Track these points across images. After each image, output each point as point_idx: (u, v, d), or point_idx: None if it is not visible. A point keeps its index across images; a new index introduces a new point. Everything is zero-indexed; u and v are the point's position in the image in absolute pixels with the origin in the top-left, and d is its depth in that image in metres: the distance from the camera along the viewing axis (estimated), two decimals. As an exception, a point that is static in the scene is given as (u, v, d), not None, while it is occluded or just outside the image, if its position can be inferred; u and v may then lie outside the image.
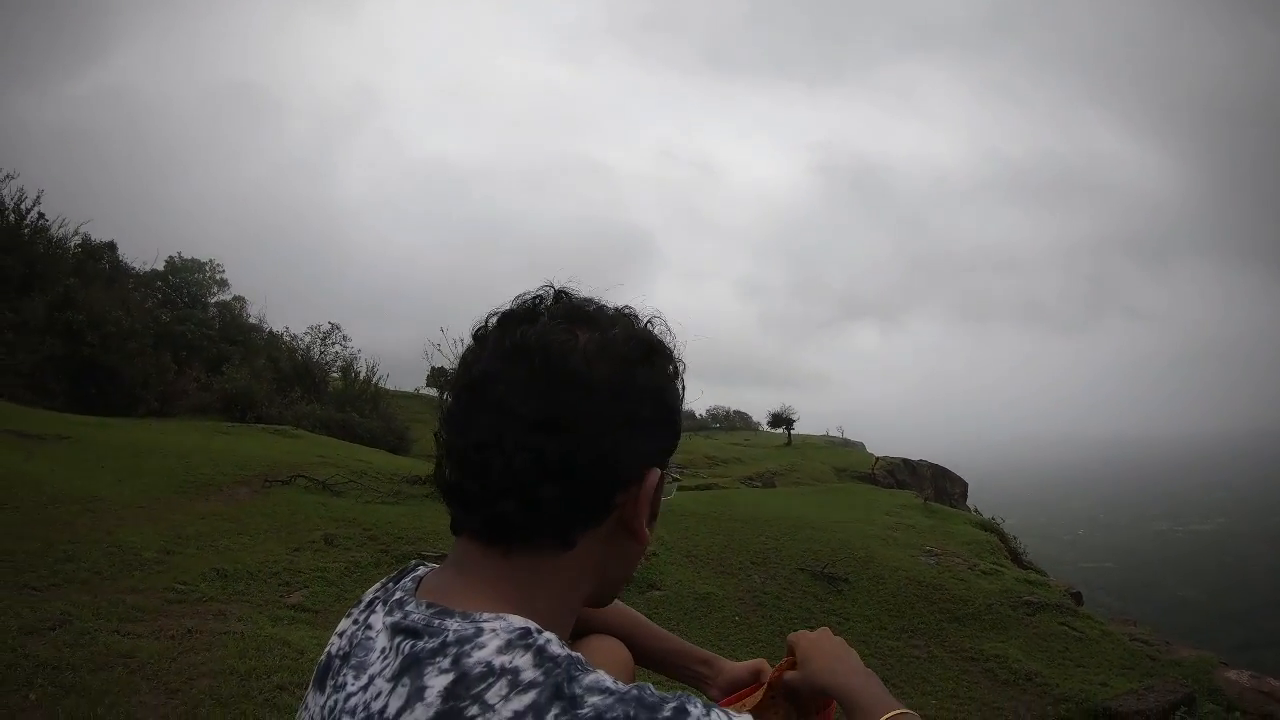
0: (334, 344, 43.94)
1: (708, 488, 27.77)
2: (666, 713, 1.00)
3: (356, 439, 27.87)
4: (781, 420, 57.36)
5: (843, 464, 42.79)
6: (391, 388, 39.29)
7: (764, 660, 1.93)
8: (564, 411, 1.20)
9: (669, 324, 1.40)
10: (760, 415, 69.50)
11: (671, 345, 1.37)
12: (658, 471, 1.29)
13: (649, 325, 1.35)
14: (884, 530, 17.59)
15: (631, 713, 0.99)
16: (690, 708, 1.02)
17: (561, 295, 1.33)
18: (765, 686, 1.76)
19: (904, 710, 1.43)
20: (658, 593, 11.72)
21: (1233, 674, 11.28)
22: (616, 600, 1.69)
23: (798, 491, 28.52)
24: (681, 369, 1.38)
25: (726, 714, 1.05)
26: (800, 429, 60.13)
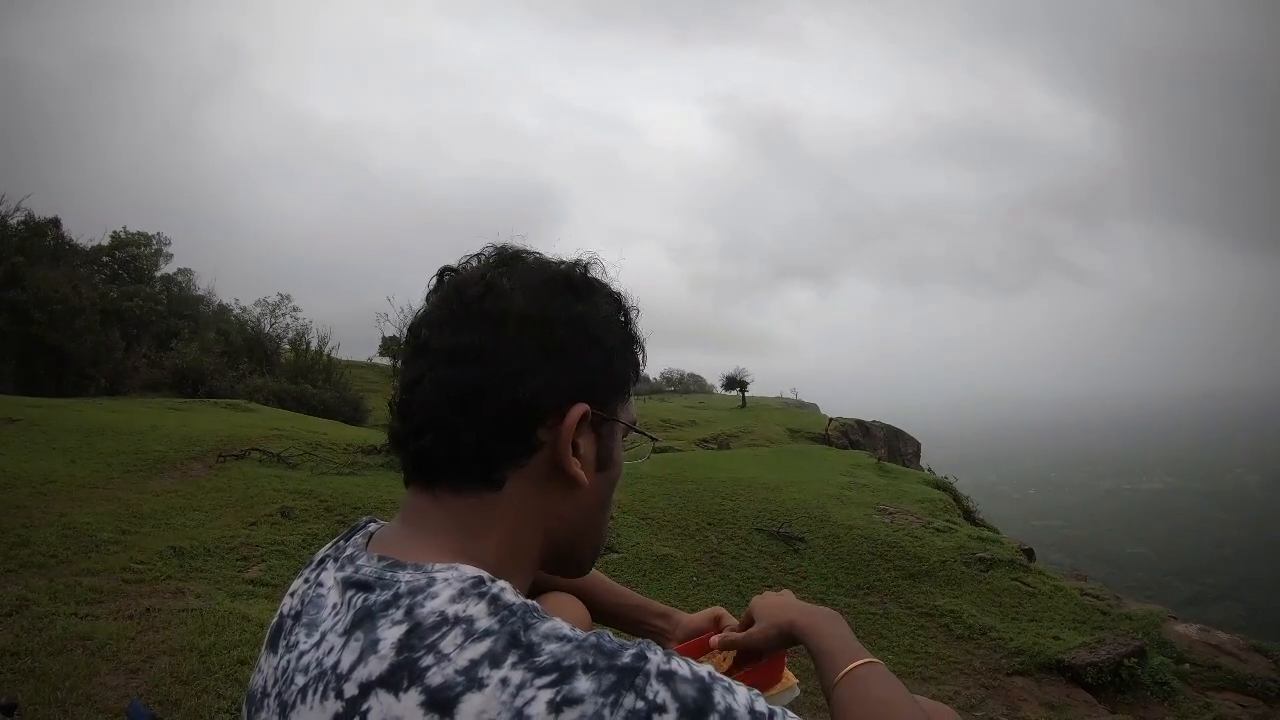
0: (284, 315, 43.31)
1: (663, 450, 27.81)
2: (626, 658, 1.01)
3: (311, 411, 27.72)
4: (736, 383, 57.47)
5: (797, 425, 42.88)
6: (344, 358, 38.73)
7: (721, 608, 1.97)
8: (474, 343, 1.23)
9: (606, 267, 1.39)
10: (714, 378, 69.59)
11: (610, 283, 1.38)
12: (583, 407, 1.26)
13: (582, 266, 1.35)
14: (839, 490, 17.76)
15: (590, 659, 1.00)
16: (650, 654, 1.03)
17: (502, 249, 1.35)
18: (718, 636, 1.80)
19: (872, 659, 1.45)
20: (616, 555, 11.78)
21: (1181, 627, 11.50)
22: None
23: (753, 453, 28.63)
24: (627, 307, 1.38)
25: (687, 662, 1.06)
26: (754, 391, 60.28)
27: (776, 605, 1.73)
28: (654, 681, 1.00)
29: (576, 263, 1.35)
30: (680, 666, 1.04)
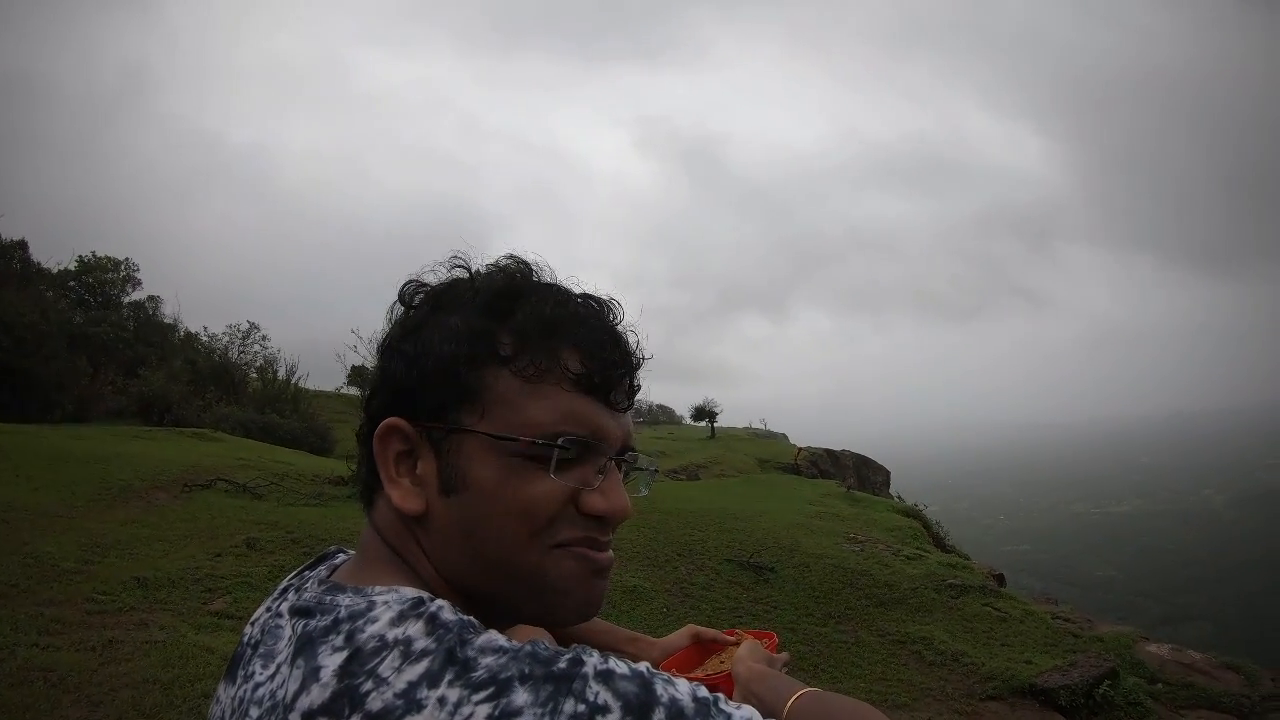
0: (253, 343, 42.95)
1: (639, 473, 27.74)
2: (562, 664, 1.00)
3: (277, 440, 27.40)
4: (704, 413, 57.55)
5: (766, 455, 42.89)
6: (312, 387, 38.48)
7: (694, 625, 1.95)
8: (378, 374, 1.26)
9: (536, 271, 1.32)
10: (683, 409, 69.68)
11: (497, 278, 1.28)
12: (389, 421, 1.20)
13: (455, 270, 1.30)
14: (808, 519, 17.79)
15: (526, 669, 0.98)
16: (585, 656, 1.02)
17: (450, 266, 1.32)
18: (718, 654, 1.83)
19: (809, 689, 1.43)
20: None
21: (1154, 647, 11.56)
22: None
23: (722, 483, 28.69)
24: (494, 296, 1.23)
25: (625, 663, 1.04)
26: (723, 422, 60.36)
27: (737, 658, 1.67)
28: (593, 683, 0.99)
29: (450, 279, 1.30)
30: (618, 665, 1.02)
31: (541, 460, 1.18)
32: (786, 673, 1.68)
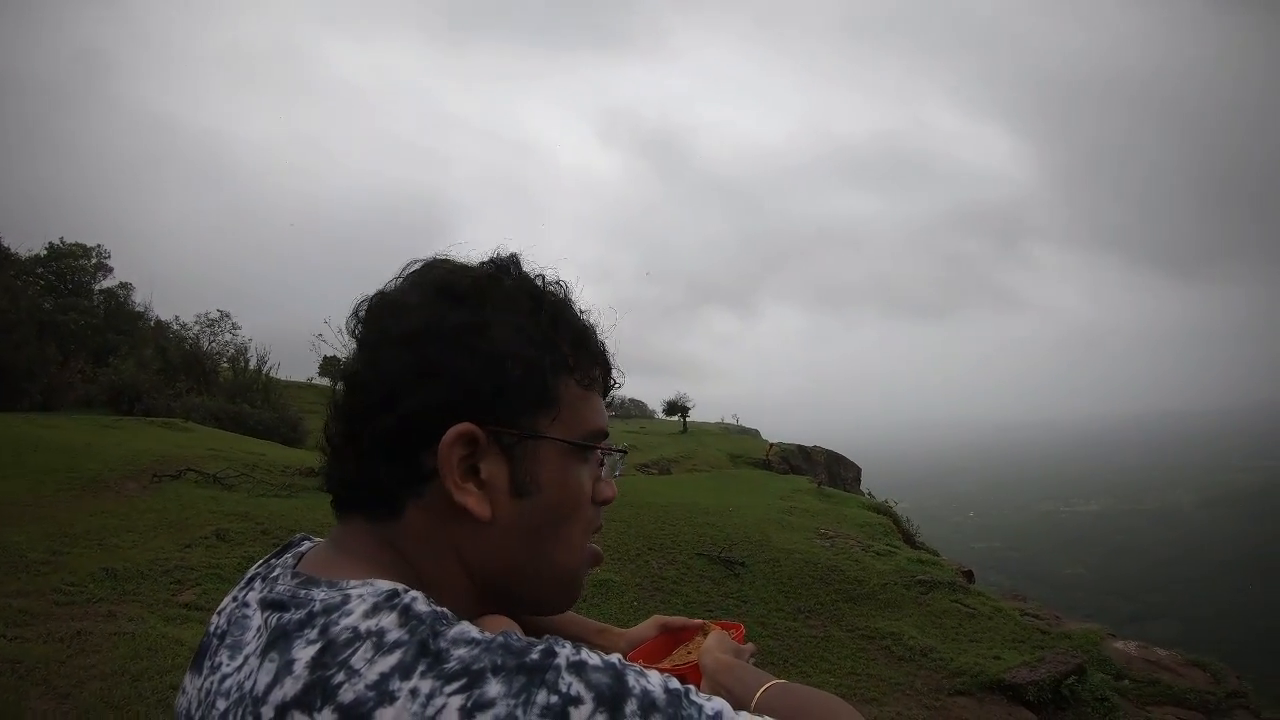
0: (224, 332, 42.41)
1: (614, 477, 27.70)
2: (534, 655, 1.00)
3: (248, 431, 27.28)
4: (677, 408, 57.51)
5: (738, 450, 42.98)
6: (283, 377, 38.09)
7: (659, 616, 1.93)
8: (358, 369, 1.22)
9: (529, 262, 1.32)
10: (655, 404, 69.70)
11: (533, 282, 1.30)
12: (463, 428, 1.17)
13: (477, 268, 1.29)
14: (779, 514, 17.81)
15: (499, 660, 0.98)
16: (558, 647, 1.02)
17: (432, 259, 1.31)
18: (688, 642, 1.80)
19: (776, 680, 1.43)
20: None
21: (1120, 645, 11.62)
22: None
23: (694, 478, 28.65)
24: (547, 302, 1.28)
25: (598, 654, 1.04)
26: (696, 417, 60.37)
27: (705, 650, 1.67)
28: (565, 674, 0.99)
29: (467, 266, 1.29)
30: (590, 657, 1.02)
31: (593, 462, 1.30)
32: (753, 664, 1.67)
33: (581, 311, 1.32)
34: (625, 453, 1.52)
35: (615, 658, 1.05)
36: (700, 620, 1.88)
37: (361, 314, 1.26)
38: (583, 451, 1.27)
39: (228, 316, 42.19)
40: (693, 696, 1.06)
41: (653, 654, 1.81)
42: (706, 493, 21.11)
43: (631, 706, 0.99)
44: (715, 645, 1.64)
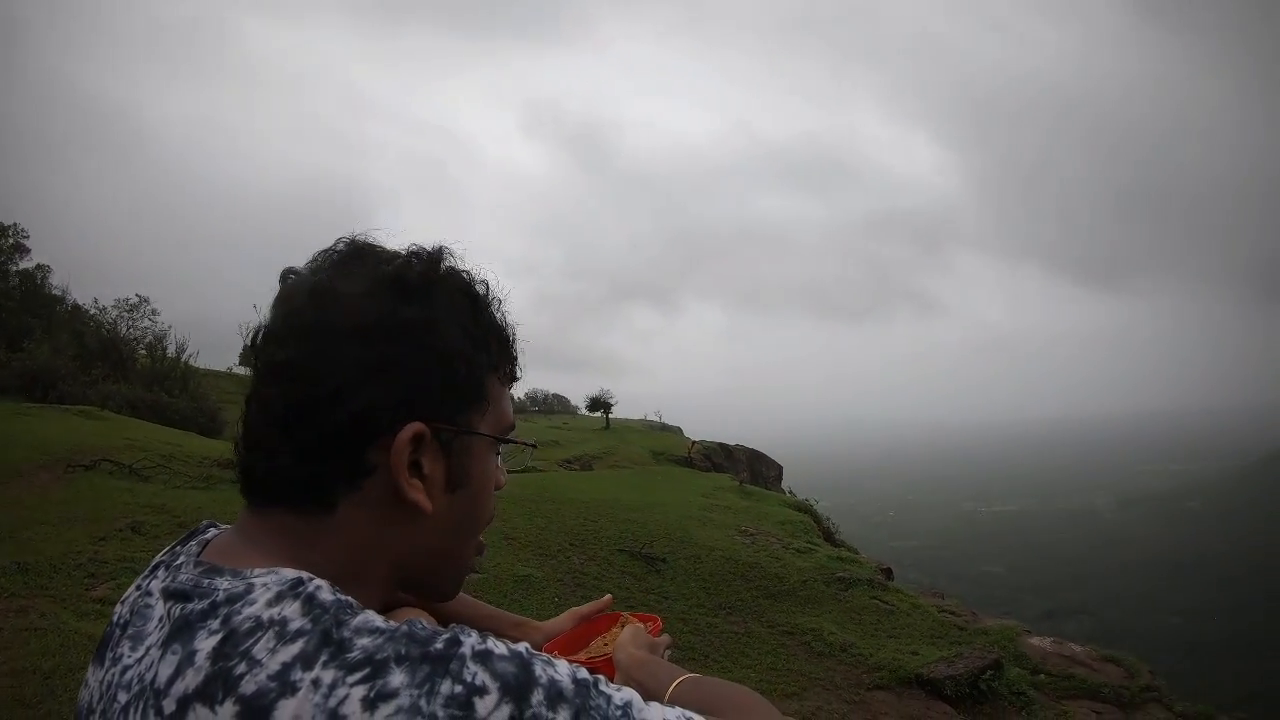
0: (143, 318, 41.33)
1: (525, 471, 27.73)
2: (439, 645, 0.99)
3: (165, 421, 26.56)
4: (600, 404, 57.71)
5: (660, 448, 43.15)
6: (202, 366, 37.47)
7: (574, 609, 1.92)
8: (293, 358, 1.17)
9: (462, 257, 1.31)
10: (578, 399, 70.05)
11: (461, 274, 1.29)
12: (416, 427, 1.17)
13: (421, 260, 1.26)
14: (701, 511, 17.95)
15: (403, 650, 0.97)
16: (464, 636, 1.01)
17: (352, 243, 1.27)
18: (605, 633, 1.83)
19: (689, 674, 1.44)
20: (476, 576, 11.60)
21: (1036, 640, 11.80)
22: None
23: (616, 474, 28.79)
24: (480, 301, 1.29)
25: (504, 643, 1.03)
26: (618, 413, 60.64)
27: (619, 645, 1.67)
28: (470, 663, 0.98)
29: (414, 256, 1.26)
30: (496, 646, 1.02)
31: (499, 455, 1.34)
32: (669, 657, 1.69)
33: (501, 309, 1.33)
34: (535, 446, 1.66)
35: (523, 647, 1.05)
36: (618, 613, 1.90)
37: (291, 298, 1.21)
38: (498, 445, 1.30)
39: (146, 301, 41.10)
40: (601, 687, 1.06)
41: (569, 645, 1.82)
42: (629, 489, 21.23)
43: (538, 696, 0.99)
44: (629, 640, 1.64)
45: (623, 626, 1.78)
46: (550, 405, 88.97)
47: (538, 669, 1.02)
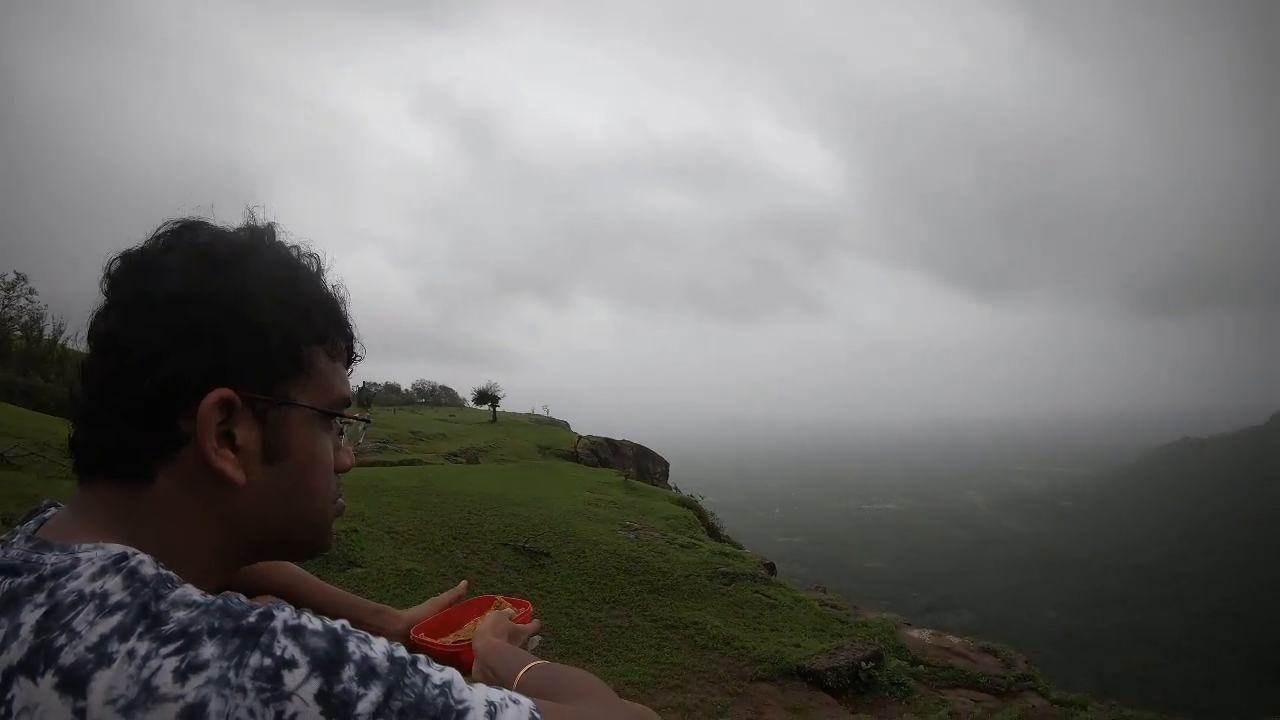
0: (19, 297, 39.59)
1: (411, 463, 27.46)
2: (251, 618, 1.01)
3: (40, 406, 25.74)
4: (487, 397, 57.52)
5: (547, 442, 43.09)
6: (81, 349, 36.21)
7: (434, 599, 1.94)
8: (111, 329, 1.18)
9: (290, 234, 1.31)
10: (465, 391, 69.74)
11: (289, 252, 1.29)
12: (221, 393, 1.16)
13: (236, 233, 1.26)
14: (586, 506, 17.99)
15: (216, 623, 0.99)
16: (276, 611, 1.03)
17: (181, 224, 1.25)
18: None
19: (538, 662, 1.47)
20: (359, 570, 11.47)
21: (915, 632, 11.97)
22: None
23: (501, 468, 28.77)
24: (301, 271, 1.28)
25: (320, 620, 1.05)
26: (506, 406, 60.57)
27: (479, 632, 1.69)
28: (281, 637, 1.00)
29: (225, 232, 1.25)
30: (311, 622, 1.03)
31: (335, 430, 1.33)
32: (538, 642, 1.75)
33: (333, 285, 1.34)
34: (369, 422, 1.54)
35: (339, 624, 1.05)
36: (492, 597, 1.93)
37: (114, 272, 1.21)
38: (327, 419, 1.30)
39: (24, 279, 39.51)
40: (420, 666, 1.07)
41: (442, 628, 1.83)
42: (514, 483, 21.29)
43: (349, 672, 1.00)
44: (489, 628, 1.66)
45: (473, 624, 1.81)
46: (437, 397, 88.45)
47: (350, 645, 1.03)
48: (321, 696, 1.00)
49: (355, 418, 1.38)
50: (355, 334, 1.36)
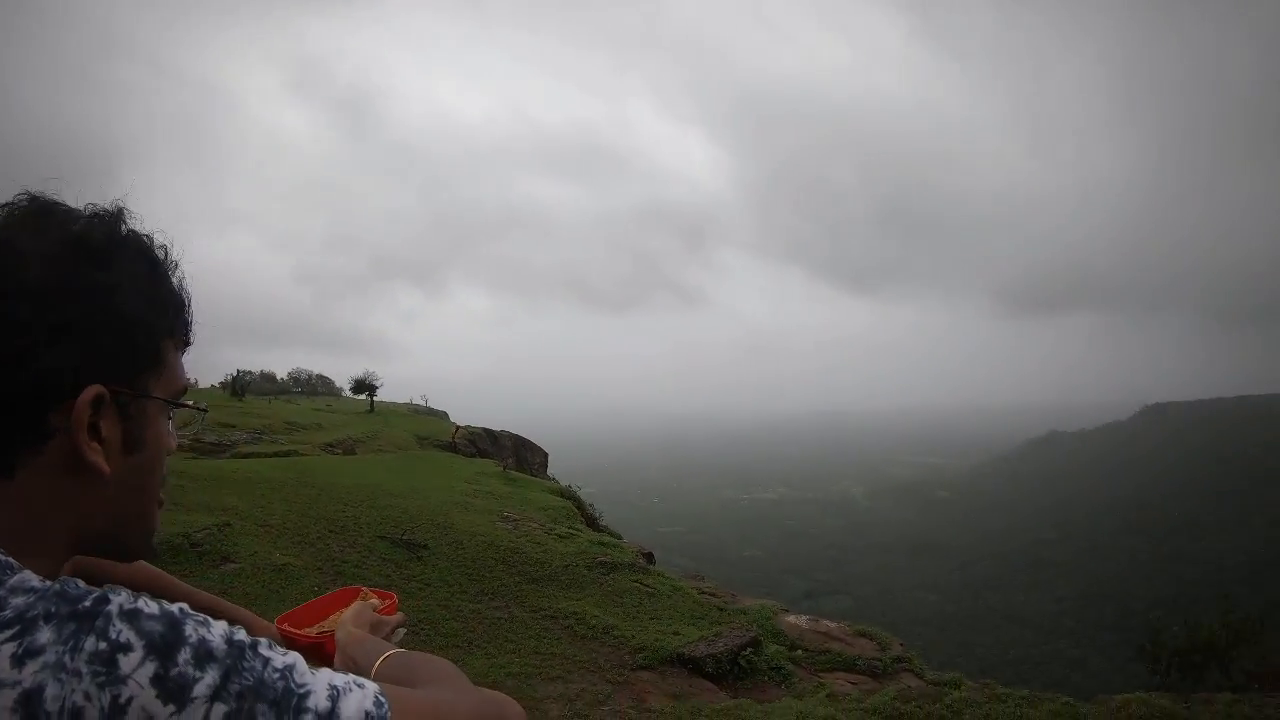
0: None
1: (286, 455, 26.97)
2: (87, 603, 1.05)
3: None
4: (364, 387, 56.83)
5: (425, 432, 42.83)
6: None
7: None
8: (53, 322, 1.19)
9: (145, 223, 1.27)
10: (343, 381, 69.02)
11: (142, 236, 1.24)
12: (96, 389, 1.21)
13: (104, 220, 1.24)
14: (464, 497, 17.90)
15: (52, 608, 1.04)
16: (113, 595, 1.06)
17: (34, 200, 1.24)
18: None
19: (396, 650, 1.47)
20: (232, 565, 11.19)
21: (793, 618, 12.11)
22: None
23: (379, 459, 28.41)
24: (159, 264, 1.25)
25: (157, 603, 1.06)
26: (384, 396, 60.01)
27: (340, 623, 1.71)
28: (116, 621, 1.04)
29: (97, 217, 1.24)
30: (148, 605, 1.04)
31: (170, 417, 1.28)
32: (404, 634, 1.78)
33: (179, 277, 1.29)
34: (205, 410, 1.55)
35: (176, 607, 1.07)
36: (358, 588, 1.94)
37: None
38: (170, 408, 1.25)
39: None
40: (261, 650, 1.08)
41: (306, 618, 1.84)
42: (391, 474, 21.11)
43: (185, 655, 1.03)
44: (351, 618, 1.69)
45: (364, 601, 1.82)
46: (314, 386, 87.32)
47: (188, 629, 1.06)
48: (157, 680, 1.04)
49: (195, 406, 1.36)
50: (191, 320, 1.32)
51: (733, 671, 9.90)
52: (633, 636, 10.75)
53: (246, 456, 25.24)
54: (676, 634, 10.90)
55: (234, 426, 33.01)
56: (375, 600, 1.84)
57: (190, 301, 1.28)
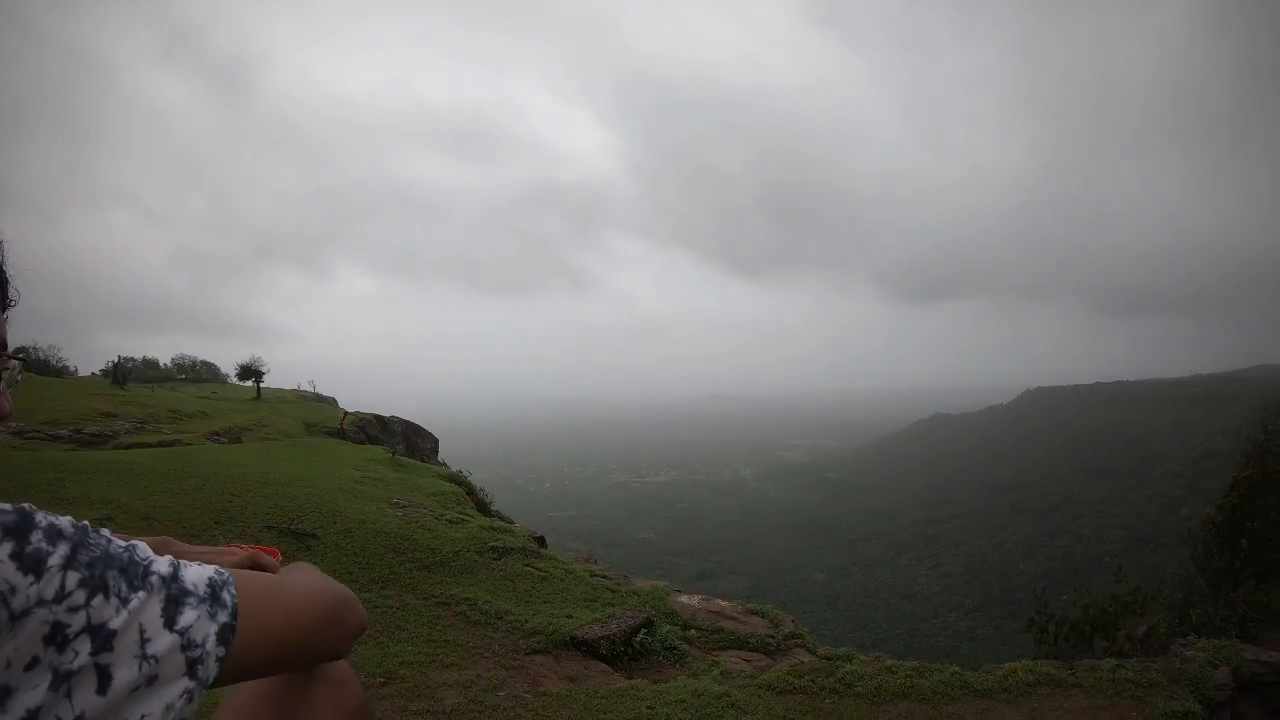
0: None
1: (170, 444, 26.43)
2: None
3: None
4: (251, 373, 55.81)
5: (313, 419, 42.24)
6: None
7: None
8: None
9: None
10: (229, 367, 67.76)
11: None
12: None
13: None
14: (352, 484, 17.76)
15: None
16: (37, 513, 1.27)
17: None
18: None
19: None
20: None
21: (685, 598, 12.18)
22: None
23: (265, 447, 28.03)
24: None
25: (8, 504, 1.24)
26: (271, 382, 59.06)
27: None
28: None
29: None
30: (3, 505, 1.25)
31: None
32: None
33: None
34: (25, 360, 1.53)
35: (27, 505, 1.27)
36: (239, 545, 1.98)
37: None
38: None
39: None
40: (104, 531, 1.30)
41: None
42: (279, 462, 20.89)
43: (37, 536, 1.24)
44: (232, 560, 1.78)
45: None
46: (198, 373, 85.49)
47: (38, 516, 1.26)
48: (15, 555, 1.27)
49: (16, 357, 1.42)
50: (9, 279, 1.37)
51: (627, 653, 9.93)
52: (526, 621, 10.71)
53: (129, 447, 24.67)
54: (570, 617, 10.89)
55: (115, 416, 32.23)
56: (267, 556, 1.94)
57: (5, 259, 1.32)
